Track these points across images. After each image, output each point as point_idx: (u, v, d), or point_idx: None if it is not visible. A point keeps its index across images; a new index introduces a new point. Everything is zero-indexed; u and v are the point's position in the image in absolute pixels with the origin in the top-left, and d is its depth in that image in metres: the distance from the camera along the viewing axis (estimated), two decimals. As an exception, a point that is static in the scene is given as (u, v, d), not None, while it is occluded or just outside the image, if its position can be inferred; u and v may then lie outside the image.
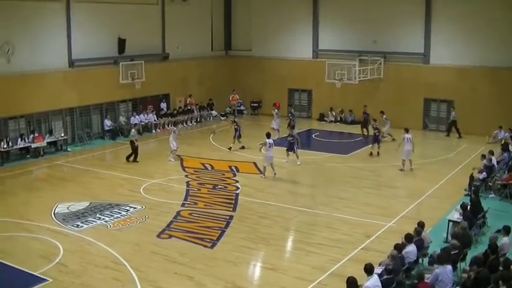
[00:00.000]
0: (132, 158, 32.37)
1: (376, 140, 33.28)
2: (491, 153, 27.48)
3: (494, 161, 27.01)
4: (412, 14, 40.54)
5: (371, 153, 33.54)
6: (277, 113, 39.03)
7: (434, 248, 17.50)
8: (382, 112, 36.00)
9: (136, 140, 32.66)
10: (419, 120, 40.12)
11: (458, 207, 20.58)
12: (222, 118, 44.51)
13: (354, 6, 42.68)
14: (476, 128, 37.25)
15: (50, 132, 34.46)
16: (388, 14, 41.21)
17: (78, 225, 21.89)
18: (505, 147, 29.47)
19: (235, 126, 35.09)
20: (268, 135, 29.97)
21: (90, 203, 24.57)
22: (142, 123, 39.93)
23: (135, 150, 32.34)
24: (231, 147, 34.66)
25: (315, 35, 45.14)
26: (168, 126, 40.93)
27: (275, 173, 28.99)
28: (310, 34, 45.24)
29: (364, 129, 37.75)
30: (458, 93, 38.77)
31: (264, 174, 29.08)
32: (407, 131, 30.32)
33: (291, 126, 33.92)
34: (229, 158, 32.94)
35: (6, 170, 30.58)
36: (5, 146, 31.87)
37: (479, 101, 37.96)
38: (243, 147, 34.74)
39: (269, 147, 29.04)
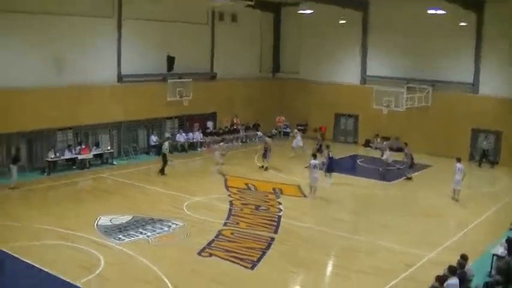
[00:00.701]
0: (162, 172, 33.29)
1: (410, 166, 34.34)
2: (539, 188, 27.09)
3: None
4: (462, 43, 40.14)
5: (410, 178, 34.21)
6: (297, 133, 40.76)
7: (477, 282, 17.22)
8: (379, 136, 37.42)
9: (167, 155, 33.61)
10: (466, 151, 39.47)
11: (503, 241, 20.21)
12: (268, 139, 44.53)
13: (403, 34, 42.37)
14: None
15: (97, 145, 34.98)
16: (438, 42, 40.88)
17: (119, 238, 22.05)
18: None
19: (266, 146, 35.68)
20: (315, 156, 30.30)
21: (133, 217, 24.74)
22: (189, 141, 40.20)
23: (165, 163, 33.27)
24: (263, 166, 35.39)
25: (363, 61, 45.11)
26: (214, 144, 41.20)
27: (314, 195, 29.31)
28: (358, 60, 45.23)
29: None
30: (507, 124, 38.24)
31: (313, 194, 29.44)
32: (459, 160, 30.14)
33: (319, 150, 35.63)
34: (273, 179, 32.94)
35: (52, 180, 31.09)
36: (52, 156, 32.43)
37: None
38: (264, 167, 35.27)
39: (313, 167, 29.36)
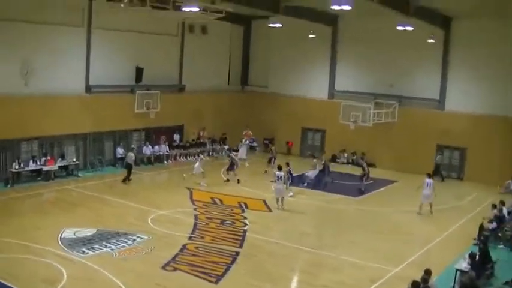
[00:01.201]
0: (126, 180, 33.97)
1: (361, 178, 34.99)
2: (502, 203, 27.42)
3: (505, 212, 26.94)
4: (430, 60, 40.76)
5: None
6: (246, 142, 42.15)
7: (441, 297, 17.34)
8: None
9: (132, 165, 34.41)
10: (431, 166, 39.59)
11: (467, 256, 20.42)
12: (234, 153, 44.46)
13: (372, 50, 42.88)
14: (489, 177, 37.14)
15: (62, 156, 34.57)
16: (406, 59, 41.44)
17: (83, 252, 21.79)
18: (516, 198, 29.28)
19: (232, 161, 36.18)
20: (279, 168, 30.70)
21: (97, 230, 24.48)
22: (155, 154, 40.01)
23: (129, 172, 34.05)
24: (228, 179, 35.87)
25: (331, 76, 45.35)
26: (180, 158, 41.29)
27: (282, 207, 29.80)
28: (327, 74, 45.45)
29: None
30: (472, 141, 38.81)
31: (280, 205, 29.99)
32: (429, 176, 30.93)
33: (270, 161, 37.55)
34: (238, 193, 32.87)
35: (16, 191, 30.58)
36: (17, 167, 31.93)
37: (493, 150, 37.92)
38: (235, 180, 35.51)
39: (278, 179, 29.95)
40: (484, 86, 38.70)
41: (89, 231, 24.24)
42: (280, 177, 30.03)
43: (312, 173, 35.70)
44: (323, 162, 37.04)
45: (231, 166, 35.96)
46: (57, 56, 34.41)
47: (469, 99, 39.17)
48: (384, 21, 39.00)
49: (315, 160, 37.03)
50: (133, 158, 34.79)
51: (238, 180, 35.34)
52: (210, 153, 44.20)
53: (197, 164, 34.87)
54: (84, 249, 22.04)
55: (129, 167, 34.09)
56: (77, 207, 28.39)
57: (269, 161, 38.86)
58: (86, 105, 36.01)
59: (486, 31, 37.87)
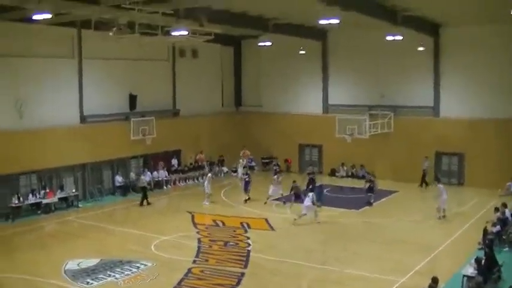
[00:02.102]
0: (145, 202, 34.95)
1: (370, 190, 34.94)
2: (505, 205, 27.38)
3: (507, 214, 26.86)
4: (421, 68, 40.87)
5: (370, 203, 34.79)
6: (241, 162, 42.18)
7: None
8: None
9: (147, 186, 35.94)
10: (431, 174, 39.69)
11: (473, 261, 20.36)
12: (234, 174, 44.38)
13: (363, 61, 43.01)
14: (488, 181, 37.03)
15: (61, 188, 34.49)
16: (397, 68, 41.55)
17: (88, 282, 21.67)
18: (518, 200, 29.24)
19: (247, 179, 36.22)
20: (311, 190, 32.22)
21: (101, 260, 24.35)
22: (154, 180, 39.91)
23: (145, 195, 35.10)
24: (249, 198, 35.87)
25: (324, 90, 45.41)
26: (179, 182, 41.22)
27: (317, 220, 30.58)
28: (320, 89, 45.50)
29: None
30: (470, 145, 38.79)
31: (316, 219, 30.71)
32: (439, 181, 32.69)
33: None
34: (240, 214, 32.81)
35: (16, 226, 30.49)
36: (16, 202, 31.86)
37: (491, 153, 37.89)
38: (248, 199, 35.80)
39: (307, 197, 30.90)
40: (477, 90, 38.79)
41: (92, 262, 24.12)
42: (310, 195, 30.76)
43: (272, 190, 35.63)
44: (310, 176, 37.07)
45: (247, 184, 36.15)
46: (51, 88, 34.53)
47: (463, 104, 39.28)
48: (373, 32, 39.17)
49: (274, 177, 36.84)
50: (145, 181, 36.30)
51: (247, 199, 35.78)
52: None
53: (206, 182, 35.42)
54: (88, 280, 21.92)
55: (144, 190, 35.29)
56: (79, 238, 28.26)
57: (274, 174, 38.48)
58: (82, 135, 35.99)
59: (475, 36, 38.16)
